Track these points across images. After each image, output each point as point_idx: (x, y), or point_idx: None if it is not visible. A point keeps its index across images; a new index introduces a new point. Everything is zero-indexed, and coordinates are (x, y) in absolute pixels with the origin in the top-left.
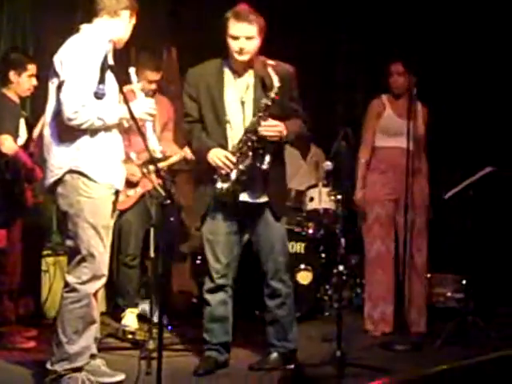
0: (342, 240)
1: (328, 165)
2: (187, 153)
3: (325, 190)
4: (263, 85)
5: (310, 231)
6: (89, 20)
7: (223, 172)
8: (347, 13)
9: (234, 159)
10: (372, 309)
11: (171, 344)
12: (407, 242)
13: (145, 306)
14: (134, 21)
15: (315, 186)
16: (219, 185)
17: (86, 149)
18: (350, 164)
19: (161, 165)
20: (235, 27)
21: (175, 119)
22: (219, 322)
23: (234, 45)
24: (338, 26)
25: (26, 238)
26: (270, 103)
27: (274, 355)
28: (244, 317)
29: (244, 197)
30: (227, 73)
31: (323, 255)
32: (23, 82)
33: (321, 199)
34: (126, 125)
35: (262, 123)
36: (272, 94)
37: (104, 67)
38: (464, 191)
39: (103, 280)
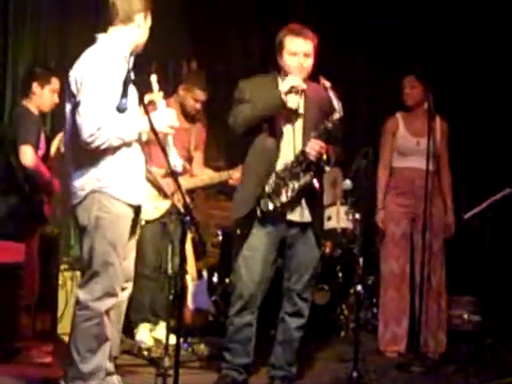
0: (360, 260)
1: (347, 184)
2: (224, 175)
3: (343, 209)
4: (319, 107)
5: (328, 250)
6: (105, 29)
7: (271, 185)
8: (366, 30)
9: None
10: (384, 329)
11: (187, 361)
12: (424, 263)
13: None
14: (149, 22)
15: (333, 204)
16: (266, 204)
17: (106, 167)
18: (369, 183)
19: (201, 183)
20: (294, 43)
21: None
22: (242, 343)
23: (292, 61)
24: (356, 41)
25: (43, 251)
26: (330, 127)
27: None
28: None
29: (290, 215)
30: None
31: (340, 275)
32: (45, 96)
33: (339, 218)
34: (144, 138)
35: (310, 142)
36: (334, 119)
37: (127, 81)
38: (483, 212)
39: (116, 298)
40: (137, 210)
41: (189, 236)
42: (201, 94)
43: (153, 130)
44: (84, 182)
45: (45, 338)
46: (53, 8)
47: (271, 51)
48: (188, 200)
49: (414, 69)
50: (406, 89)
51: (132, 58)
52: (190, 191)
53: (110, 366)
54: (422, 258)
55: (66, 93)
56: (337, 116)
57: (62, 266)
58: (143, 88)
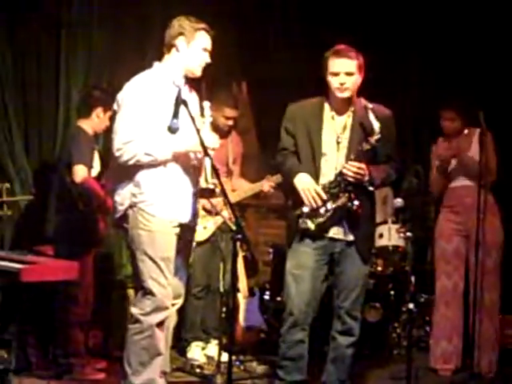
0: (412, 277)
1: (398, 202)
2: (263, 186)
3: (394, 227)
4: (363, 128)
5: (379, 268)
6: (159, 57)
7: (309, 206)
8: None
9: (324, 196)
10: (436, 346)
11: (239, 379)
12: (477, 281)
13: (213, 345)
14: (198, 44)
15: (384, 222)
16: (305, 223)
17: (144, 184)
18: (419, 201)
19: (239, 197)
20: (335, 63)
21: (244, 153)
22: (295, 360)
23: (334, 81)
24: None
25: (97, 269)
26: (369, 148)
27: None
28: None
29: (333, 233)
30: (326, 111)
31: (392, 292)
32: (104, 121)
33: (390, 236)
34: (192, 156)
35: (347, 164)
36: (372, 140)
37: (178, 102)
38: None
39: (167, 312)
40: (182, 228)
41: (240, 254)
42: (231, 112)
43: (203, 147)
44: (123, 198)
45: (97, 354)
46: (105, 31)
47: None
48: (239, 217)
49: (453, 103)
50: (445, 121)
51: (183, 80)
52: (242, 209)
53: (162, 382)
54: (474, 276)
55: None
56: (375, 138)
57: (115, 284)
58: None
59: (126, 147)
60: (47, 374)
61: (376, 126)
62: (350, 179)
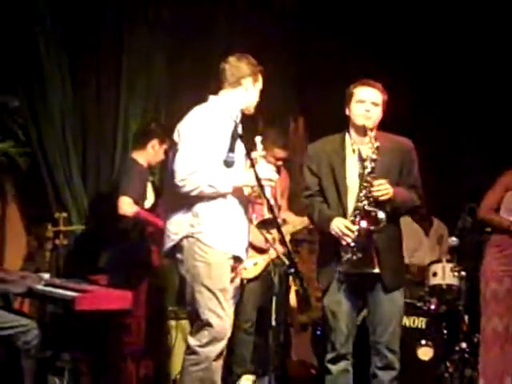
0: (465, 317)
1: (453, 240)
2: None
3: (448, 266)
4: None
5: (433, 306)
6: (216, 92)
7: (344, 242)
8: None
9: (353, 228)
10: None
11: None
12: None
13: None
14: (259, 85)
15: (439, 261)
16: (345, 256)
17: (202, 215)
18: (475, 239)
19: (287, 231)
20: (362, 91)
21: (296, 190)
22: None
23: (359, 108)
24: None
25: (150, 299)
26: (373, 165)
27: None
28: None
29: (361, 268)
30: (348, 145)
31: (445, 331)
32: (160, 154)
33: (444, 274)
34: (245, 192)
35: (375, 182)
36: (373, 156)
37: (234, 136)
38: None
39: (224, 343)
40: (234, 260)
41: (293, 288)
42: (280, 152)
43: (259, 182)
44: (178, 227)
45: None
46: (165, 64)
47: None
48: (292, 252)
49: None
50: None
51: (239, 114)
52: (295, 243)
53: None
54: None
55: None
56: (372, 151)
57: (168, 315)
58: (249, 144)
59: (189, 178)
60: None
61: (374, 143)
62: (381, 198)
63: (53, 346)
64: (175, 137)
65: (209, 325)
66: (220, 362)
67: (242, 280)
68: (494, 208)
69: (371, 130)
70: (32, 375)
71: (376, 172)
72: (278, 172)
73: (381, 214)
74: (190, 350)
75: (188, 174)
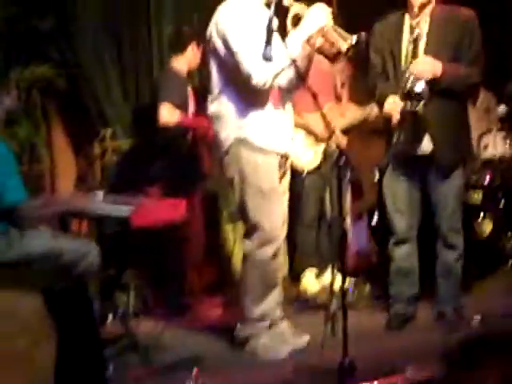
0: None
1: (502, 108)
2: (370, 111)
3: (500, 135)
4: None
5: (487, 179)
6: None
7: (395, 121)
8: None
9: (399, 106)
10: None
11: (354, 303)
12: None
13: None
14: None
15: (489, 131)
16: (394, 137)
17: (249, 116)
18: None
19: (348, 122)
20: None
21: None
22: (405, 275)
23: None
24: None
25: (205, 206)
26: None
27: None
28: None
29: (415, 150)
30: (406, 21)
31: (502, 203)
32: (198, 56)
33: (496, 145)
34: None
35: (416, 60)
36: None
37: (270, 29)
38: None
39: (277, 243)
40: (283, 157)
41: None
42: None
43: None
44: (228, 133)
45: (212, 291)
46: None
47: None
48: (344, 141)
49: None
50: None
51: (273, 6)
52: (345, 132)
53: (279, 312)
54: None
55: (207, 49)
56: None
57: (223, 219)
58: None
59: (269, 74)
60: (165, 314)
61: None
62: (421, 76)
63: (115, 264)
64: (217, 44)
65: (259, 227)
66: (278, 260)
67: (301, 173)
68: None
69: (424, 5)
70: (98, 295)
71: (429, 47)
72: (337, 58)
73: (418, 89)
74: (246, 254)
75: (272, 78)
